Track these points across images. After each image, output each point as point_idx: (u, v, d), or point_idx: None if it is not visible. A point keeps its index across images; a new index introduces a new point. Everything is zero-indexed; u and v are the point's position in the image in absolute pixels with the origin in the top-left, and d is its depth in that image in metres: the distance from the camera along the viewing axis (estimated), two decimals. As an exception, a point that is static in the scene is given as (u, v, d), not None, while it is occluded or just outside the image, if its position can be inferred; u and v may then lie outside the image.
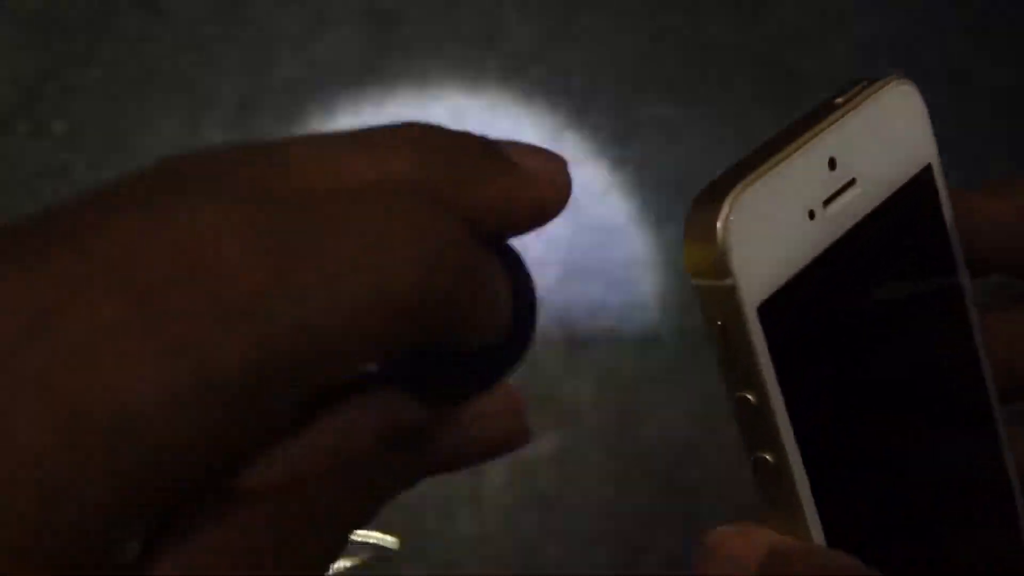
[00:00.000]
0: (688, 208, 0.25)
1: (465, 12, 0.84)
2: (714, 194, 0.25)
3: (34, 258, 0.18)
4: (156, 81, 0.85)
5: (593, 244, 0.78)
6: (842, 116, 0.27)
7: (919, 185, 0.29)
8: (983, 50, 0.83)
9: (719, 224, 0.24)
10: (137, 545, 0.18)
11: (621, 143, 0.81)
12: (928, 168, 0.29)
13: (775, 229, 0.25)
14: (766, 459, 0.26)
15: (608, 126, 0.82)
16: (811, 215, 0.26)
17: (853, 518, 0.27)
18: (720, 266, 0.24)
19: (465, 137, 0.23)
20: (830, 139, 0.27)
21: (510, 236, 0.24)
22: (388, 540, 0.58)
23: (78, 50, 0.84)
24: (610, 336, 0.78)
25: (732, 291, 0.25)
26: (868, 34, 0.83)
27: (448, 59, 0.83)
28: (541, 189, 0.24)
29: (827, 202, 0.26)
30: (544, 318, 0.75)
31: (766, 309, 0.25)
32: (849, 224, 0.27)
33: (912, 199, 0.29)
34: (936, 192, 0.30)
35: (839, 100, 0.27)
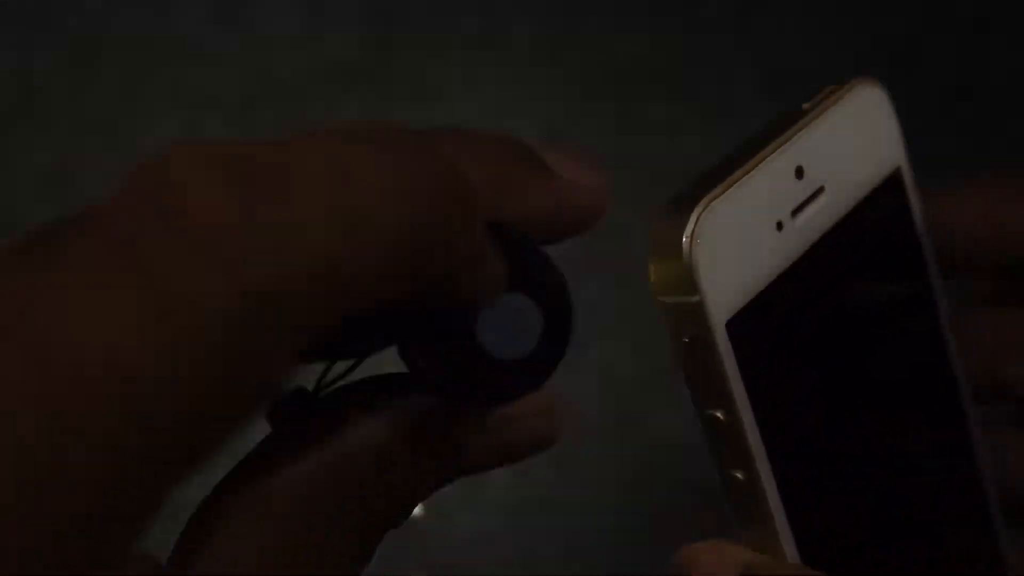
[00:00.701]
0: (652, 222, 0.24)
1: (465, 12, 0.84)
2: (679, 208, 0.24)
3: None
4: (156, 81, 0.85)
5: (593, 244, 0.78)
6: (808, 123, 0.26)
7: (889, 189, 0.28)
8: (985, 51, 0.83)
9: (685, 239, 0.24)
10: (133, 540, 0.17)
11: (621, 143, 0.81)
12: (898, 171, 0.28)
13: (742, 242, 0.25)
14: (737, 476, 0.25)
15: (608, 126, 0.82)
16: (779, 226, 0.25)
17: (826, 534, 0.27)
18: (687, 282, 0.24)
19: (506, 142, 0.23)
20: (796, 148, 0.26)
21: (544, 243, 0.24)
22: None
23: (78, 49, 0.84)
24: (610, 336, 0.78)
25: (699, 308, 0.24)
26: (871, 34, 0.83)
27: (448, 59, 0.83)
28: (580, 199, 0.23)
29: (795, 212, 0.26)
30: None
31: (735, 325, 0.24)
32: (818, 233, 0.26)
33: (882, 204, 0.28)
34: (906, 196, 0.29)
35: (805, 106, 0.27)
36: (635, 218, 0.80)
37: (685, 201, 0.24)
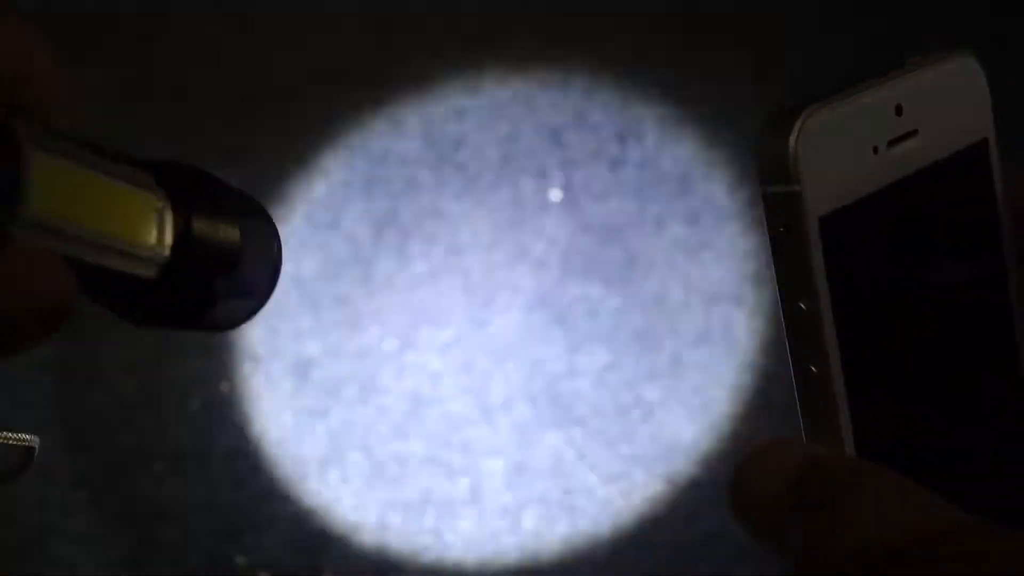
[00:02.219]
0: (762, 122, 0.26)
1: (465, 12, 0.84)
2: (790, 108, 0.26)
3: None
4: (156, 81, 0.85)
5: (593, 244, 0.78)
6: (913, 72, 0.29)
7: (975, 154, 0.30)
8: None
9: (793, 134, 0.26)
10: None
11: (621, 143, 0.81)
12: (985, 141, 0.31)
13: (842, 153, 0.27)
14: (811, 369, 0.26)
15: (608, 126, 0.82)
16: (875, 150, 0.28)
17: (887, 435, 0.28)
18: (790, 172, 0.26)
19: None
20: (899, 87, 0.28)
21: None
22: (24, 438, 0.51)
23: (78, 50, 0.84)
24: (610, 336, 0.78)
25: (798, 198, 0.26)
26: (870, 34, 0.83)
27: (448, 59, 0.83)
28: None
29: (891, 144, 0.28)
30: (545, 317, 0.74)
31: (827, 222, 0.26)
32: (908, 169, 0.28)
33: (968, 165, 0.30)
34: (990, 166, 0.31)
35: (910, 62, 0.29)
36: (635, 218, 0.80)
37: (796, 104, 0.27)
